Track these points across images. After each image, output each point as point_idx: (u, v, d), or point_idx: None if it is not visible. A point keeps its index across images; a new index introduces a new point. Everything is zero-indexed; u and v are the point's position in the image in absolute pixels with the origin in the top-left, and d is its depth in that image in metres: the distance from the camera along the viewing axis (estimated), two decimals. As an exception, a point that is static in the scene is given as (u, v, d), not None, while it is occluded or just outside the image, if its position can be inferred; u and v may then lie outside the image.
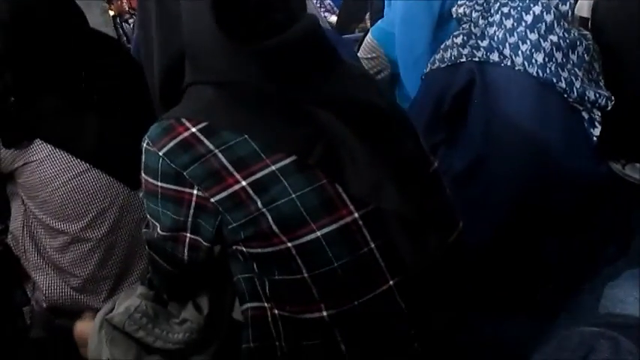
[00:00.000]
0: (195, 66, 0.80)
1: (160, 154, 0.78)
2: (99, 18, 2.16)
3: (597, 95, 1.14)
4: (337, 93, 0.82)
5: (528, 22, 1.16)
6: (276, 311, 0.82)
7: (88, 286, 1.25)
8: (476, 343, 0.93)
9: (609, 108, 1.16)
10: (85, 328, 1.06)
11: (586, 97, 1.13)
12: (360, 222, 0.79)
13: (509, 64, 1.16)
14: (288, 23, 0.80)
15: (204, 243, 0.81)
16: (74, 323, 1.09)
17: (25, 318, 1.29)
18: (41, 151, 1.20)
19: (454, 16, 1.30)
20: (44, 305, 1.27)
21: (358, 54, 1.93)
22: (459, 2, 1.28)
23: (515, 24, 1.17)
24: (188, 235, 0.81)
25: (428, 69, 1.30)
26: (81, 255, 1.24)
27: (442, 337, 0.86)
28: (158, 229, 0.83)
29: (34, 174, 1.20)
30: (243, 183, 0.76)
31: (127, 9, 4.24)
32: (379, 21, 1.96)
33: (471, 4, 1.24)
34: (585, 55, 1.16)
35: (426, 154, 0.92)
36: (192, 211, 0.79)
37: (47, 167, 1.20)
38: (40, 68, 1.19)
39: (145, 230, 0.89)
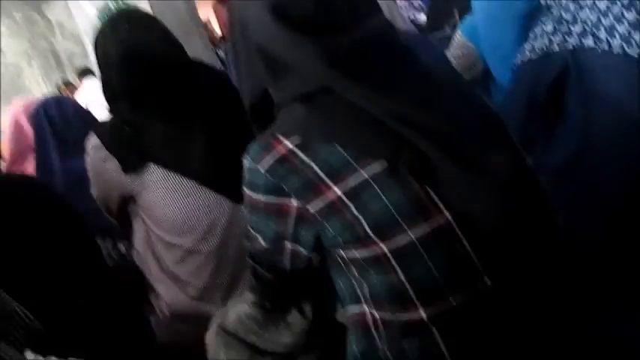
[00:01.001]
0: (274, 85, 0.85)
1: (261, 170, 0.83)
2: (199, 42, 2.31)
3: None
4: (416, 97, 0.83)
5: (624, 1, 1.10)
6: (376, 314, 0.83)
7: (204, 294, 1.34)
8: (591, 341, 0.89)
9: None
10: None
11: (694, 74, 1.05)
12: (454, 224, 0.80)
13: (605, 48, 1.10)
14: (351, 23, 0.82)
15: (305, 252, 0.86)
16: (195, 329, 1.17)
17: (151, 326, 1.40)
18: (154, 173, 1.30)
19: (542, 3, 1.25)
20: (167, 313, 1.38)
21: (448, 52, 1.90)
22: (546, -11, 1.24)
23: (609, 4, 1.11)
24: (290, 244, 0.86)
25: (518, 61, 1.25)
26: (196, 266, 1.33)
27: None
28: (261, 240, 0.88)
29: (150, 195, 1.31)
30: (338, 192, 0.79)
31: (218, 38, 4.43)
32: (467, 16, 1.93)
33: (560, -11, 1.20)
34: (691, 30, 1.08)
35: (520, 154, 0.89)
36: (293, 221, 0.83)
37: (161, 188, 1.30)
38: (149, 99, 1.31)
39: (246, 243, 0.94)
